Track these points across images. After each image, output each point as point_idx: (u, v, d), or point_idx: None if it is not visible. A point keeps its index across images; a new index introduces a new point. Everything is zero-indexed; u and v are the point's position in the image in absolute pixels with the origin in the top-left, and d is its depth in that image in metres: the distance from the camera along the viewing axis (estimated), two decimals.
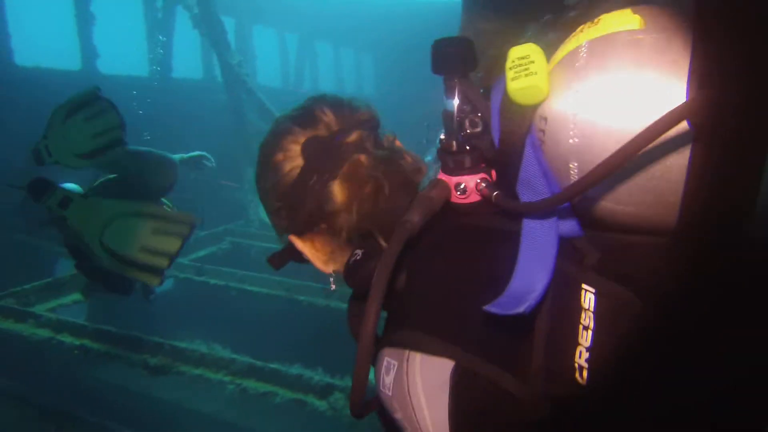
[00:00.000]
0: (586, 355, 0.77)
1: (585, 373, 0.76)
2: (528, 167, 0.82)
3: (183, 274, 6.11)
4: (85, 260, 3.37)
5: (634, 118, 0.70)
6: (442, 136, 0.94)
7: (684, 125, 0.65)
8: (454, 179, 0.93)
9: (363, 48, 17.85)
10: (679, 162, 0.69)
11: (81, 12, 7.77)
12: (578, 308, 0.79)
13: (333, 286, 1.12)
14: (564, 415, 0.79)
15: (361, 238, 1.02)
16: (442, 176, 0.95)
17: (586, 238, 0.84)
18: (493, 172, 0.93)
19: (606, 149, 0.70)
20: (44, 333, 4.59)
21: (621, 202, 0.76)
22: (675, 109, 0.63)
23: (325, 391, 3.86)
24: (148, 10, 8.97)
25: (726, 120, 0.58)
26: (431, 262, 0.93)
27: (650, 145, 0.65)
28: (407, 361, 0.84)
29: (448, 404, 0.80)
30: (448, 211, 0.95)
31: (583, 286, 0.80)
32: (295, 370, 4.00)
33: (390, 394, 0.87)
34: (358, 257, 1.00)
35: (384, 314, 0.96)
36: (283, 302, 5.70)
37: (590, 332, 0.77)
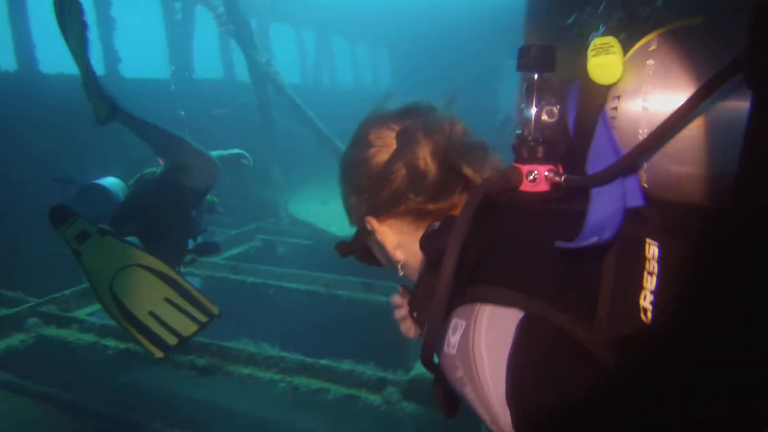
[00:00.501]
0: (651, 297, 0.82)
1: (649, 314, 0.82)
2: (599, 143, 0.91)
3: (219, 273, 6.05)
4: None
5: (697, 86, 0.76)
6: (518, 131, 1.02)
7: (744, 93, 0.69)
8: (527, 167, 1.00)
9: (379, 43, 17.75)
10: (736, 122, 0.72)
11: (102, 17, 7.74)
12: (643, 257, 0.85)
13: (401, 272, 1.19)
14: (628, 361, 0.80)
15: (425, 223, 1.10)
16: (516, 165, 1.01)
17: (648, 206, 0.90)
18: (560, 168, 1.00)
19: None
20: (89, 338, 4.54)
21: (683, 162, 0.81)
22: (734, 61, 0.68)
23: (378, 386, 3.78)
24: (167, 12, 8.93)
25: None
26: (500, 237, 0.97)
27: (709, 108, 0.72)
28: (476, 316, 0.88)
29: (509, 355, 0.83)
30: (517, 199, 1.01)
31: (648, 240, 0.86)
32: (347, 365, 3.91)
33: (454, 352, 0.90)
34: (435, 227, 1.07)
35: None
36: (323, 298, 5.62)
37: (655, 277, 0.83)
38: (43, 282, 5.23)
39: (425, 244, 1.08)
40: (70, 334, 4.57)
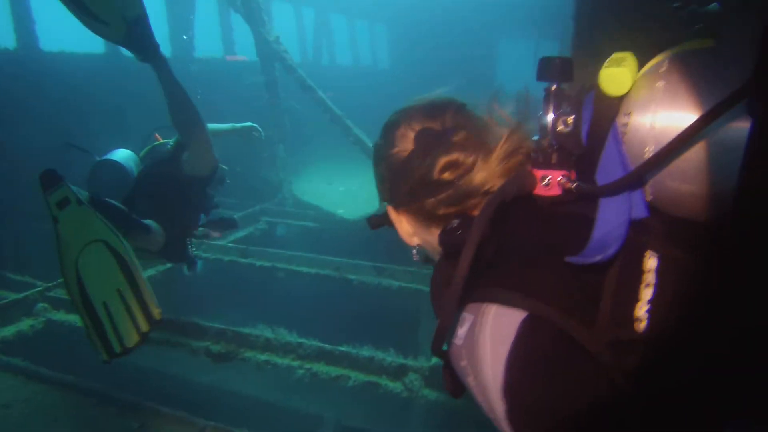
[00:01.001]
0: (647, 307, 0.89)
1: (643, 324, 0.89)
2: (608, 155, 0.96)
3: (228, 257, 5.97)
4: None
5: (702, 109, 0.81)
6: (535, 137, 1.06)
7: (744, 118, 0.75)
8: (541, 172, 1.05)
9: (377, 20, 17.52)
10: (736, 146, 0.77)
11: None
12: (642, 269, 0.91)
13: (416, 257, 1.29)
14: (623, 363, 0.88)
15: (439, 226, 1.16)
16: (532, 169, 1.06)
17: (653, 218, 0.95)
18: (573, 174, 1.05)
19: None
20: None
21: (685, 180, 0.86)
22: (741, 88, 0.72)
23: (399, 372, 3.74)
24: None
25: None
26: (515, 239, 1.04)
27: (712, 131, 0.78)
28: (483, 313, 0.96)
29: (509, 350, 0.91)
30: (530, 202, 1.06)
31: (648, 251, 0.92)
32: (366, 351, 3.87)
33: (461, 343, 0.98)
34: (454, 224, 1.12)
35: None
36: (334, 282, 5.57)
37: (652, 288, 0.90)
38: (51, 265, 5.14)
39: (443, 239, 1.14)
40: (79, 320, 4.49)
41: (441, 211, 1.14)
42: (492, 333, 0.93)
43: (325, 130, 9.14)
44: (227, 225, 4.25)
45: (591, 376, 0.89)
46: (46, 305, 4.63)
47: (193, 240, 4.04)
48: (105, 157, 3.63)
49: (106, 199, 3.08)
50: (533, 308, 0.91)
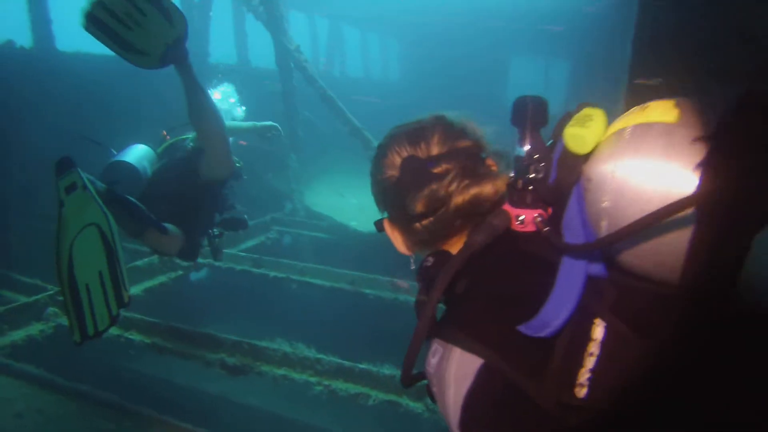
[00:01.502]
0: (588, 375, 0.93)
1: (585, 390, 0.93)
2: (571, 213, 1.00)
3: (240, 266, 5.87)
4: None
5: (654, 197, 0.85)
6: (512, 174, 1.12)
7: (690, 210, 0.81)
8: (516, 211, 1.12)
9: (388, 33, 17.54)
10: (683, 236, 0.84)
11: None
12: (589, 337, 0.95)
13: (413, 266, 1.34)
14: (566, 422, 0.94)
15: (428, 247, 1.26)
16: (507, 207, 1.13)
17: (608, 279, 0.98)
18: (549, 210, 1.11)
19: (629, 217, 0.87)
20: (111, 330, 4.36)
21: (637, 258, 0.91)
22: (685, 198, 0.80)
23: (420, 392, 3.63)
24: None
25: (721, 214, 0.77)
26: (485, 279, 1.13)
27: (663, 221, 0.83)
28: (450, 351, 1.06)
29: (465, 392, 1.01)
30: (508, 235, 1.12)
31: (597, 320, 0.95)
32: (387, 369, 3.76)
33: (432, 371, 1.10)
34: (429, 264, 1.22)
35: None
36: (349, 296, 5.46)
37: (595, 358, 0.94)
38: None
39: (419, 276, 1.23)
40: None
41: (426, 236, 1.23)
42: (455, 372, 1.04)
43: (337, 143, 9.09)
44: (239, 224, 4.18)
45: (534, 427, 0.97)
46: (56, 309, 4.52)
47: (216, 238, 3.99)
48: (117, 158, 3.57)
49: (124, 196, 3.05)
50: (490, 359, 1.00)
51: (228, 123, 3.93)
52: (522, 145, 1.09)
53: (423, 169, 1.19)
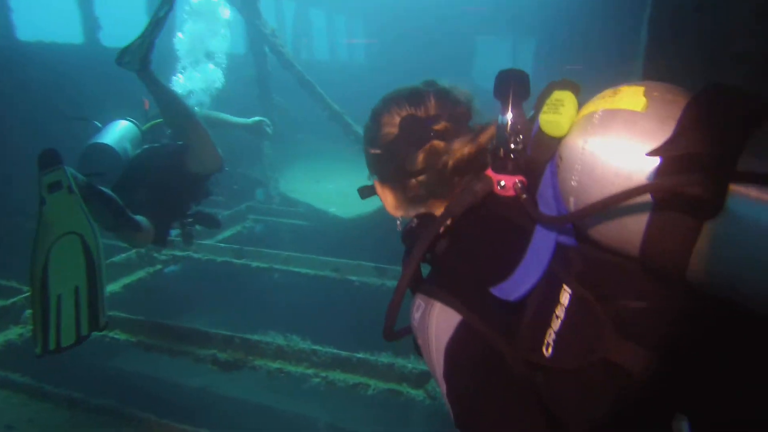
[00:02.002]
0: (553, 336, 1.01)
1: (550, 349, 1.01)
2: (544, 186, 1.09)
3: (221, 257, 5.73)
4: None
5: (617, 180, 0.91)
6: (494, 142, 1.18)
7: (647, 196, 0.88)
8: (497, 176, 1.17)
9: (354, 15, 17.31)
10: (641, 218, 0.90)
11: None
12: (556, 301, 1.03)
13: (399, 228, 1.38)
14: (532, 378, 1.04)
15: (420, 204, 1.32)
16: (489, 172, 1.19)
17: (576, 249, 1.05)
18: (526, 181, 1.16)
19: (593, 196, 0.94)
20: None
21: (601, 233, 0.98)
22: (642, 186, 0.86)
23: (420, 380, 3.60)
24: None
25: (675, 200, 0.83)
26: (464, 240, 1.19)
27: (622, 203, 0.89)
28: (431, 306, 1.15)
29: (446, 344, 1.10)
30: (489, 200, 1.18)
31: (564, 286, 1.03)
32: (385, 358, 3.71)
33: (416, 325, 1.19)
34: (414, 224, 1.30)
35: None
36: (334, 283, 5.38)
37: (560, 321, 1.01)
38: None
39: (404, 236, 1.32)
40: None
41: (420, 192, 1.29)
42: (437, 326, 1.13)
43: (310, 128, 8.94)
44: (212, 222, 4.09)
45: (504, 380, 1.06)
46: None
47: (188, 226, 3.96)
48: (98, 140, 3.45)
49: (104, 190, 2.96)
50: (467, 317, 1.09)
51: (215, 115, 3.84)
52: (504, 113, 1.15)
53: (424, 126, 1.25)
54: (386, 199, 1.38)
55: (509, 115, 1.14)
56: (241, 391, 4.36)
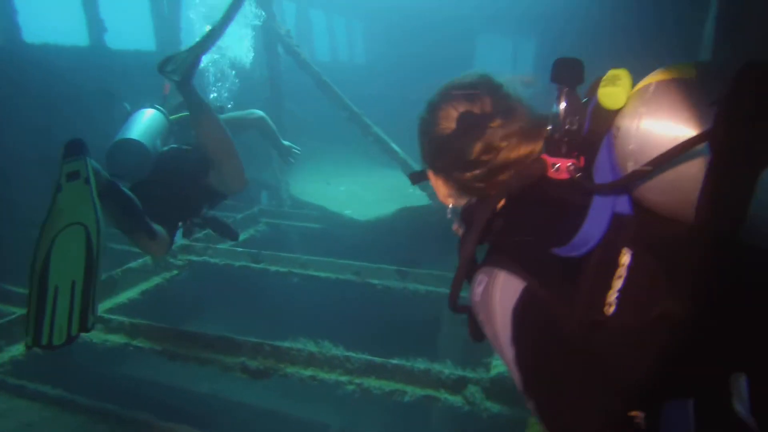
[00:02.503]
0: (616, 295, 1.07)
1: (612, 308, 1.08)
2: (602, 158, 1.15)
3: (238, 262, 5.62)
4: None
5: (672, 139, 0.98)
6: (549, 128, 1.22)
7: (703, 146, 0.93)
8: (552, 160, 1.23)
9: (354, 16, 17.23)
10: (698, 174, 0.95)
11: None
12: (615, 264, 1.09)
13: (449, 215, 1.45)
14: (591, 339, 1.09)
15: (472, 195, 1.39)
16: (544, 156, 1.24)
17: (633, 217, 1.11)
18: (582, 159, 1.23)
19: (651, 157, 1.00)
20: (117, 339, 4.11)
21: (658, 194, 1.04)
22: (699, 134, 0.94)
23: (458, 385, 3.51)
24: None
25: (732, 150, 0.89)
26: (521, 215, 1.26)
27: (680, 156, 0.96)
28: (494, 277, 1.21)
29: (512, 311, 1.16)
30: (543, 182, 1.23)
31: (624, 249, 1.09)
32: (421, 364, 3.62)
33: (478, 300, 1.24)
34: (471, 204, 1.39)
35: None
36: (356, 287, 5.28)
37: (622, 280, 1.07)
38: None
39: (463, 213, 1.40)
40: (95, 335, 4.11)
41: (473, 184, 1.35)
42: (501, 293, 1.18)
43: (320, 130, 8.84)
44: (229, 234, 3.96)
45: (566, 342, 1.11)
46: None
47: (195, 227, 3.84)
48: (129, 135, 3.26)
49: (125, 191, 2.90)
50: (530, 282, 1.15)
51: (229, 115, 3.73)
52: (558, 104, 1.21)
53: (480, 122, 1.31)
54: (438, 188, 1.47)
55: (563, 104, 1.20)
56: (261, 399, 4.26)
